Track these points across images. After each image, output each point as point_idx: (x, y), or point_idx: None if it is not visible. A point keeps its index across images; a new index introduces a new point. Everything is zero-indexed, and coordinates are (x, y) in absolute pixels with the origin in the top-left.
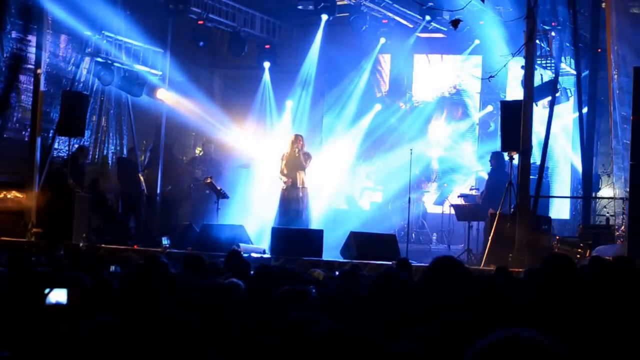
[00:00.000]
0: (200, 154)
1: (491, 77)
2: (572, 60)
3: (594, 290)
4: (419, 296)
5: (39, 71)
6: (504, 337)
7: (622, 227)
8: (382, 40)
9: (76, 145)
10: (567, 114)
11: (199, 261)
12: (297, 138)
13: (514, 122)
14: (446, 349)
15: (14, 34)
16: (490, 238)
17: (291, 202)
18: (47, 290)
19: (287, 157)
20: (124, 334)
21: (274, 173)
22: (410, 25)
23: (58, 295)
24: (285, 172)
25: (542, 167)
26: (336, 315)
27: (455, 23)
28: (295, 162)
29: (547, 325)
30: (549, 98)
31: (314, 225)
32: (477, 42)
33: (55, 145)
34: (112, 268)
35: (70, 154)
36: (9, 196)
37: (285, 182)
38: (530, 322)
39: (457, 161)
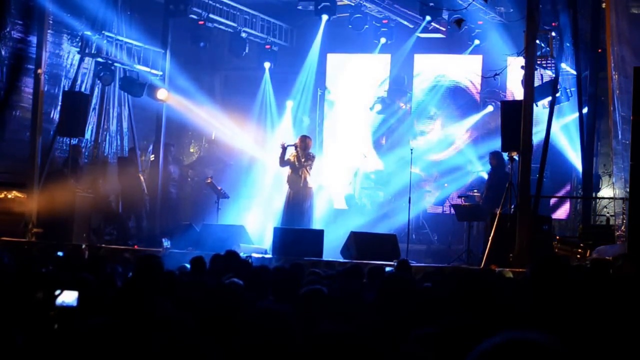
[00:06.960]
0: (199, 154)
1: (496, 74)
2: (572, 60)
3: (586, 292)
4: (423, 299)
5: (39, 71)
6: (507, 340)
7: (622, 227)
8: (382, 40)
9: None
10: (567, 113)
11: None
12: (302, 139)
13: (514, 122)
14: (449, 350)
15: (14, 34)
16: (490, 238)
17: (296, 202)
18: (57, 292)
19: (292, 157)
20: (119, 334)
21: (274, 173)
22: (411, 26)
23: (68, 297)
24: (290, 172)
25: (542, 167)
26: (339, 316)
27: (458, 22)
28: (300, 163)
29: (545, 327)
30: (549, 98)
31: (315, 225)
32: (477, 42)
33: (56, 145)
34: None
35: (68, 155)
36: (9, 196)
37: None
38: (527, 324)
39: (457, 161)
